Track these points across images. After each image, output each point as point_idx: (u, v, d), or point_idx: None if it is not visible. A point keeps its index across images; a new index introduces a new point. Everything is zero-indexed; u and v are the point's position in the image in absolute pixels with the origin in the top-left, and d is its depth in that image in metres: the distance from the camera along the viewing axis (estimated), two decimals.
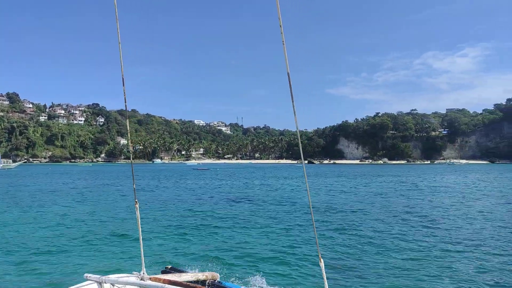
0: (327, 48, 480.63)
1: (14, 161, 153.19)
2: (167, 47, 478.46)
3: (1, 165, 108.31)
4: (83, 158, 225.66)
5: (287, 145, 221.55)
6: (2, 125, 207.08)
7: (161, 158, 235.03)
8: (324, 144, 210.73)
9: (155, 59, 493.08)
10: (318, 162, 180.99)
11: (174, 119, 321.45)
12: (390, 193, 35.91)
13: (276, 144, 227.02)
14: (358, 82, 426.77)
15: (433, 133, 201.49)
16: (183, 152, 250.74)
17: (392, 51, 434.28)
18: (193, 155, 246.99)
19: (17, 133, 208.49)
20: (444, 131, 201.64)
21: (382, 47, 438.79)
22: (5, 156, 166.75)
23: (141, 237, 7.25)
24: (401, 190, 38.93)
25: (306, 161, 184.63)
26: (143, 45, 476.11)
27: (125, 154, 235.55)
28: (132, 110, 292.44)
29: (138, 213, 7.09)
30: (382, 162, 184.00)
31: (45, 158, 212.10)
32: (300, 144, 5.27)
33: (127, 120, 6.60)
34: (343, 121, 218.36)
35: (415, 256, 12.77)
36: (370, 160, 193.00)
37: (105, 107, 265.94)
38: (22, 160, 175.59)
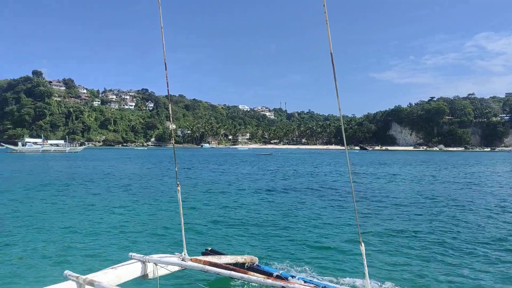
0: (370, 30, 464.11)
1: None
2: (207, 33, 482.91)
3: (69, 148, 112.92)
4: (134, 142, 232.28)
5: (336, 131, 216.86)
6: (59, 109, 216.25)
7: (209, 143, 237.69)
8: (376, 130, 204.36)
9: (197, 44, 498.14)
10: (371, 149, 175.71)
11: (219, 104, 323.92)
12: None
13: (324, 129, 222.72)
14: (404, 65, 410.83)
15: (494, 119, 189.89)
16: (229, 137, 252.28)
17: (440, 33, 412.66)
18: (239, 140, 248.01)
19: (74, 118, 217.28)
20: (506, 116, 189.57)
21: (430, 29, 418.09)
22: (62, 139, 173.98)
23: (182, 219, 7.43)
24: None
25: (358, 147, 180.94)
26: (184, 31, 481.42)
27: (174, 138, 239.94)
28: (180, 95, 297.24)
29: (179, 195, 7.37)
30: (438, 149, 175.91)
31: (99, 141, 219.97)
32: (343, 129, 5.43)
33: (170, 103, 7.62)
34: (395, 106, 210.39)
35: (471, 252, 11.12)
36: (425, 147, 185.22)
37: (154, 93, 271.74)
38: (78, 143, 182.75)
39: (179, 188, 7.31)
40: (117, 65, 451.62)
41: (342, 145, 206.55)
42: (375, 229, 13.80)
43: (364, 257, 5.18)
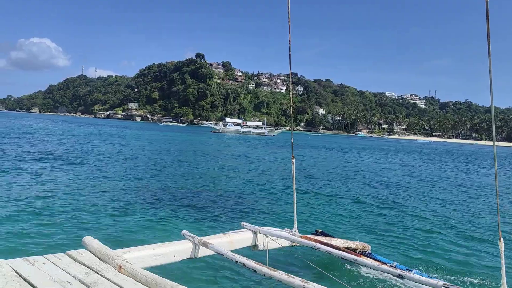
0: None
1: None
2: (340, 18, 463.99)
3: (267, 131, 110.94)
4: (285, 126, 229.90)
5: None
6: (219, 91, 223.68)
7: (360, 131, 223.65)
8: None
9: (340, 29, 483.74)
10: None
11: (367, 90, 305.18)
12: None
13: (505, 123, 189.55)
14: None
15: None
16: (383, 126, 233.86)
17: None
18: (395, 130, 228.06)
19: (231, 99, 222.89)
20: None
21: None
22: (219, 120, 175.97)
23: (295, 195, 7.23)
24: None
25: None
26: (323, 16, 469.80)
27: (323, 124, 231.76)
28: (327, 80, 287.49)
29: (293, 168, 7.15)
30: None
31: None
32: (494, 121, 4.86)
33: (291, 85, 8.09)
34: None
35: None
36: None
37: (303, 77, 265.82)
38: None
39: (293, 160, 7.14)
40: (267, 48, 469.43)
41: None
42: None
43: (502, 254, 4.71)
